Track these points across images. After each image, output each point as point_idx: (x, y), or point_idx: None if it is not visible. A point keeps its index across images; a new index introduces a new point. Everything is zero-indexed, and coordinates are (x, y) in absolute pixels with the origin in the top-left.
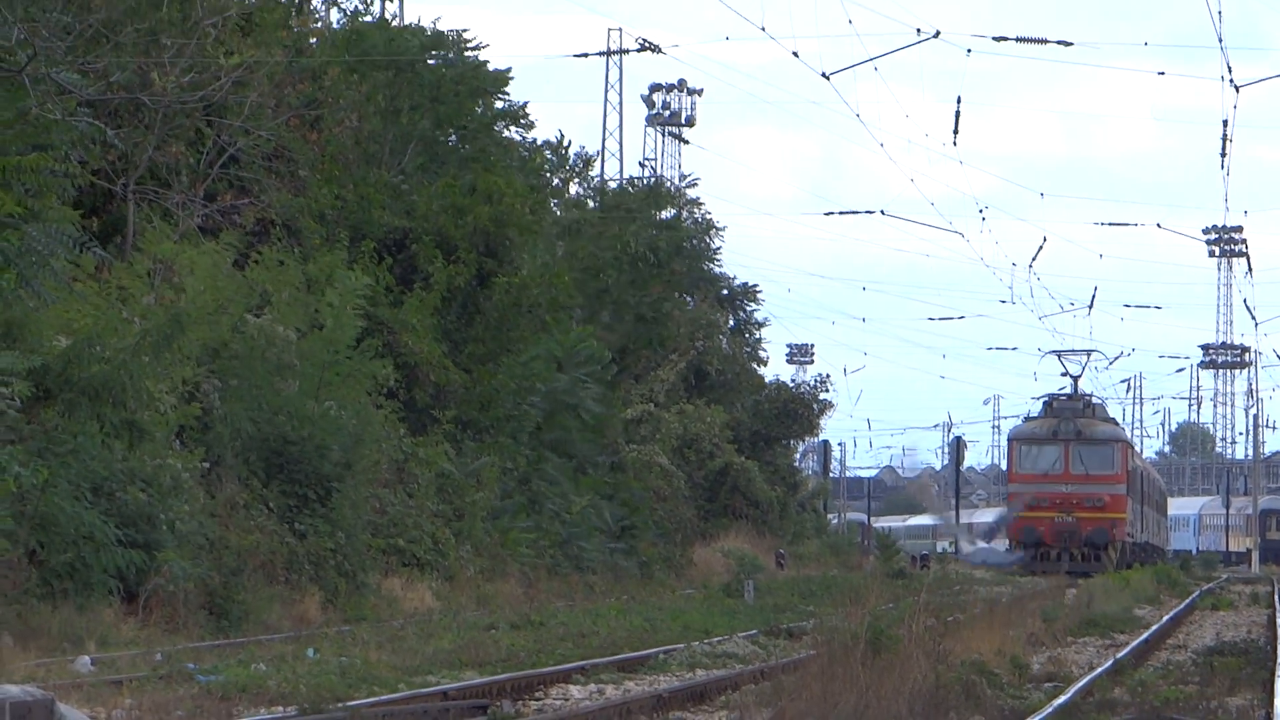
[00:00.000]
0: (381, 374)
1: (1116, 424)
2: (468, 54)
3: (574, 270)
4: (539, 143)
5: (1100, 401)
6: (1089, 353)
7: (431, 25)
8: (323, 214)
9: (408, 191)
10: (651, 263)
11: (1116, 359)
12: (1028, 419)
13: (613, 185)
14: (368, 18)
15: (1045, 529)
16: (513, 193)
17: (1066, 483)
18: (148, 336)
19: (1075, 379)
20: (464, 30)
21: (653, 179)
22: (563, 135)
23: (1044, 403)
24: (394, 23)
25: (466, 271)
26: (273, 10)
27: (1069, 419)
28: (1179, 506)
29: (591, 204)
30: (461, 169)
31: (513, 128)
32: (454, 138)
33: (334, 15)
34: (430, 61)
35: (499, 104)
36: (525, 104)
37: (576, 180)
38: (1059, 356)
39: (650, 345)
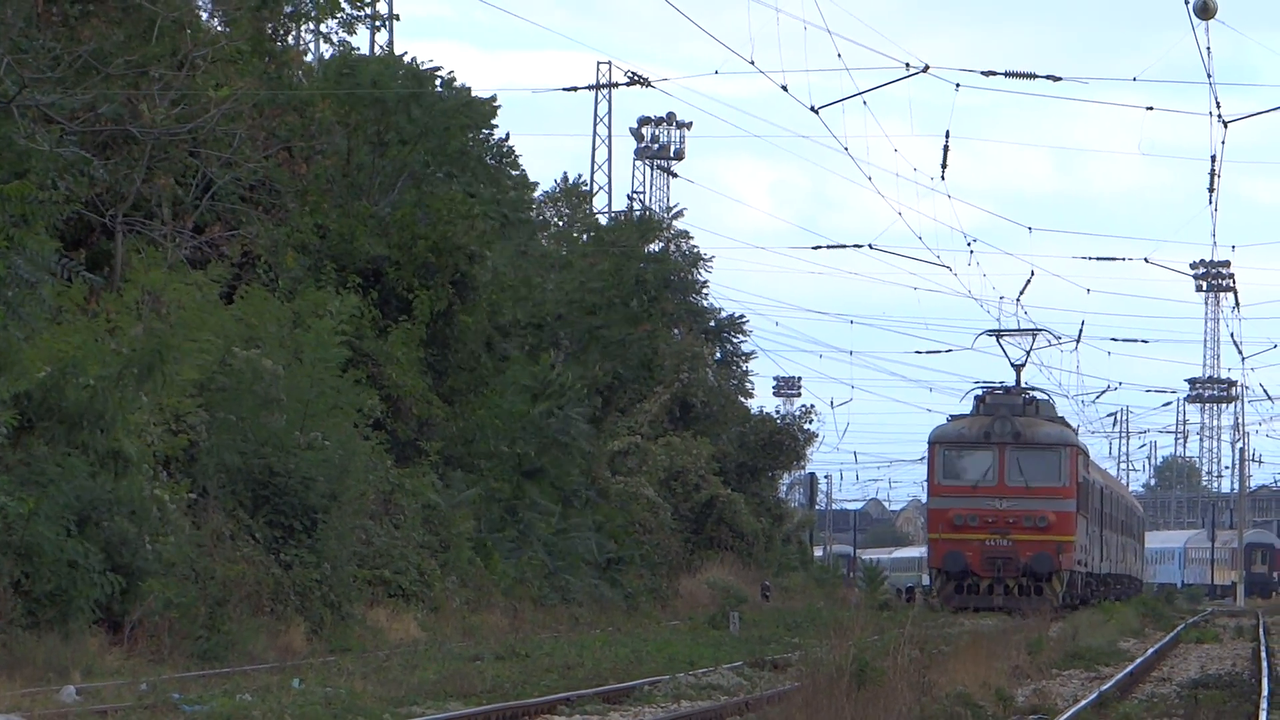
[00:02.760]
0: (367, 405)
1: (1066, 424)
2: (454, 87)
3: (564, 305)
4: (523, 173)
5: (1046, 397)
6: (1034, 332)
7: (413, 60)
8: (305, 245)
9: (387, 220)
10: (645, 298)
11: (1103, 392)
12: (954, 418)
13: (603, 219)
14: (355, 47)
15: (973, 555)
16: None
17: (1001, 497)
18: (131, 365)
19: (1017, 367)
20: (444, 69)
21: (642, 212)
22: (568, 176)
23: (975, 397)
24: (383, 53)
25: (440, 299)
26: (255, 40)
27: (1005, 417)
28: (1165, 540)
29: (583, 238)
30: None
31: (502, 162)
32: (438, 171)
33: (324, 48)
34: (417, 97)
35: (485, 133)
36: (507, 134)
37: (567, 211)
38: (997, 339)
39: (640, 381)
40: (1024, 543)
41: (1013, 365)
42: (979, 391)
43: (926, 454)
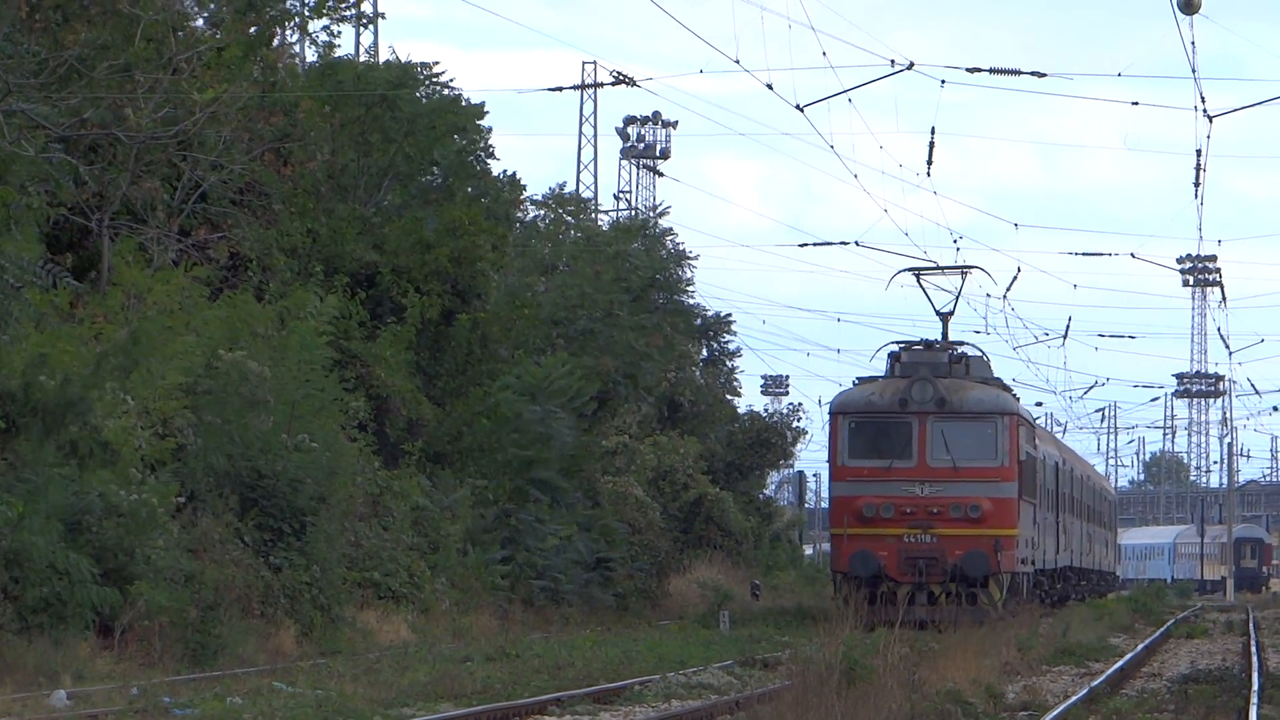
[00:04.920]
0: (353, 406)
1: (1004, 387)
2: (440, 88)
3: (556, 308)
4: (513, 174)
5: (979, 353)
6: (964, 270)
7: (399, 58)
8: (294, 248)
9: (379, 225)
10: (636, 299)
11: (1091, 388)
12: (862, 380)
13: (601, 222)
14: (339, 48)
15: (888, 556)
16: (475, 228)
17: (922, 481)
18: (109, 357)
19: (943, 315)
20: (435, 64)
21: (629, 212)
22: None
23: (889, 355)
24: (368, 56)
25: (435, 305)
26: (243, 43)
27: (925, 379)
28: (1154, 535)
29: (573, 236)
30: (430, 204)
31: (489, 162)
32: (430, 173)
33: (309, 50)
34: (403, 95)
35: (474, 138)
36: (490, 130)
37: (570, 220)
38: (917, 278)
39: (635, 386)
40: (952, 538)
41: (937, 313)
42: (894, 348)
43: (827, 427)
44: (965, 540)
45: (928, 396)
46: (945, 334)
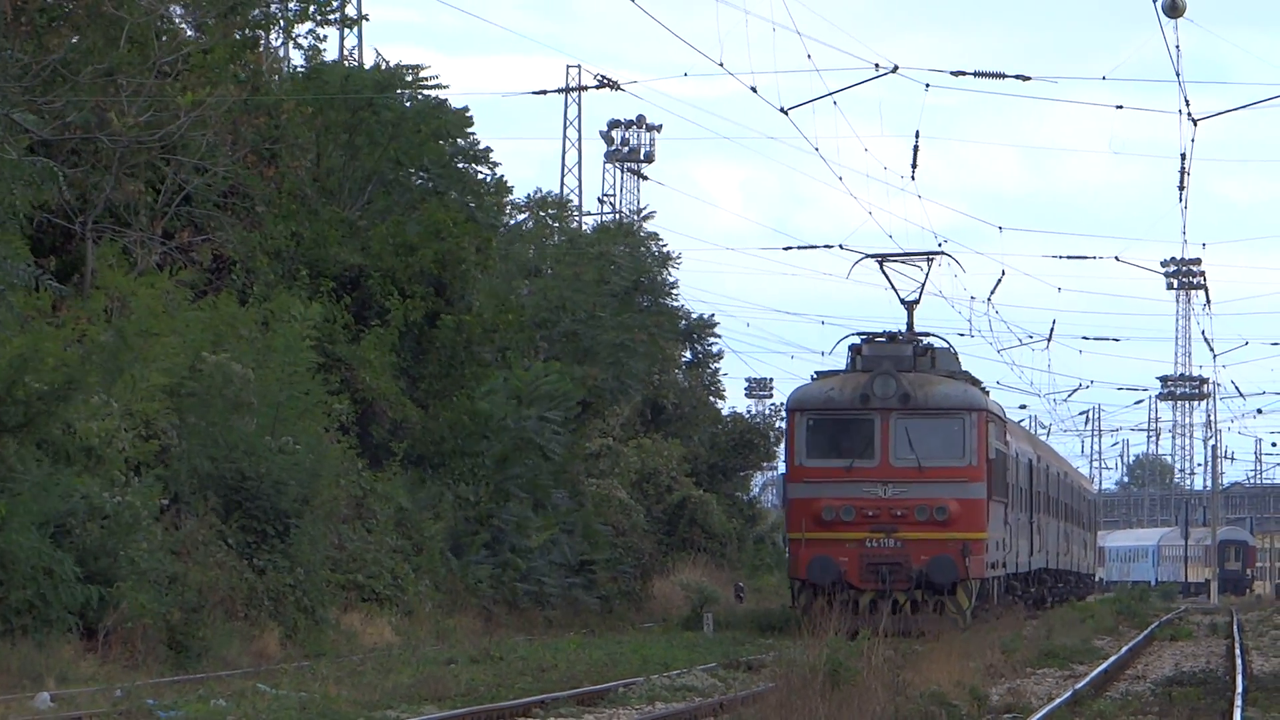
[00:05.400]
0: (336, 409)
1: (973, 380)
2: (426, 93)
3: (539, 309)
4: (500, 178)
5: (946, 345)
6: (929, 256)
7: (386, 62)
8: (279, 251)
9: (365, 228)
10: (620, 301)
11: (1075, 391)
12: (821, 375)
13: (585, 225)
14: (324, 51)
15: (849, 562)
16: (458, 230)
17: (885, 481)
18: (93, 357)
19: (908, 304)
20: (422, 68)
21: (613, 216)
22: (541, 189)
23: (850, 348)
24: (352, 59)
25: (420, 308)
26: (227, 46)
27: (888, 374)
28: (1138, 538)
29: (555, 239)
30: (418, 206)
31: (475, 166)
32: (417, 177)
33: (294, 54)
34: (388, 100)
35: (459, 142)
36: (488, 149)
37: (556, 225)
38: (880, 265)
39: (623, 389)
40: (917, 543)
41: (902, 302)
42: (855, 341)
43: (785, 424)
44: (931, 544)
45: (890, 392)
46: (910, 325)
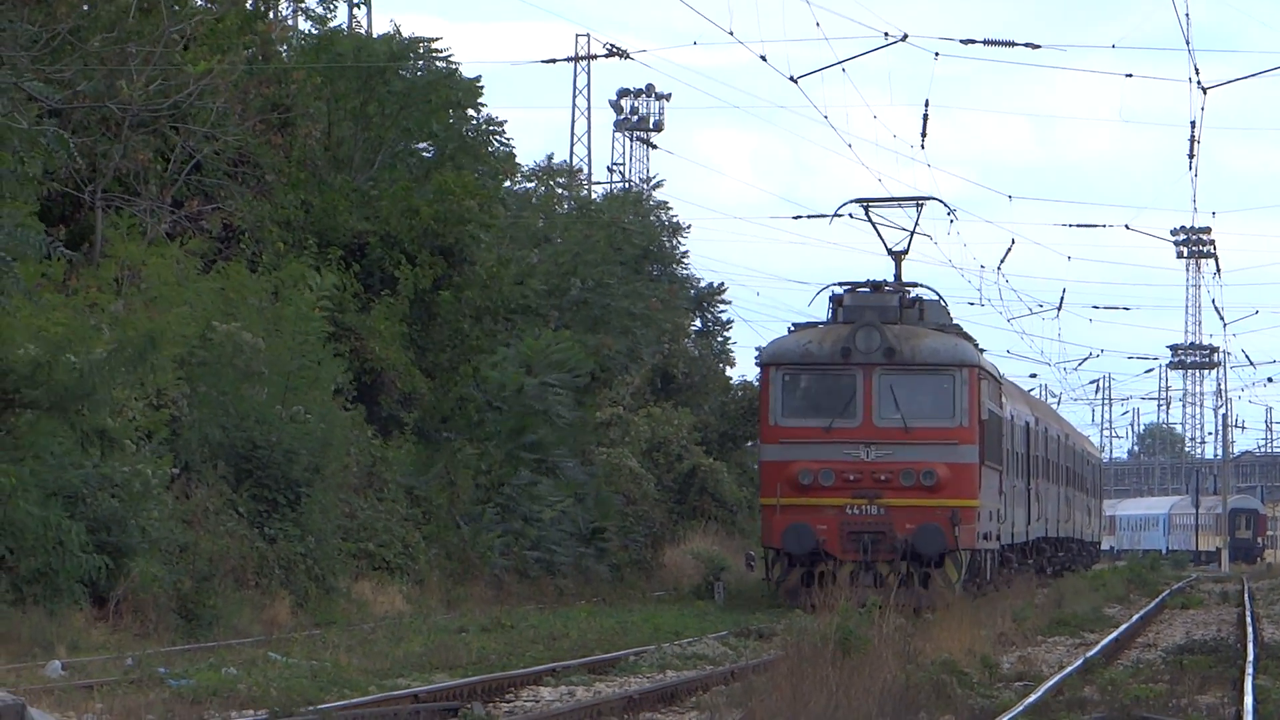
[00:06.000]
0: (343, 377)
1: (964, 335)
2: (437, 63)
3: (549, 276)
4: (509, 151)
5: (936, 296)
6: (919, 202)
7: (397, 31)
8: (288, 220)
9: (376, 196)
10: (631, 269)
11: (1085, 360)
12: (799, 327)
13: (594, 195)
14: (335, 22)
15: (828, 530)
16: (462, 189)
17: (868, 443)
18: (122, 350)
19: (896, 254)
20: (434, 40)
21: (623, 185)
22: (551, 157)
23: (830, 297)
24: (360, 27)
25: (427, 275)
26: (239, 14)
27: (872, 325)
28: (1149, 506)
29: (566, 207)
30: (425, 177)
31: (492, 137)
32: (426, 150)
33: (302, 23)
34: (400, 70)
35: (470, 113)
36: (503, 122)
37: (565, 192)
38: (865, 210)
39: (633, 358)
40: (902, 510)
41: (889, 251)
42: (836, 291)
43: (759, 380)
44: (918, 512)
45: (874, 345)
46: (899, 275)
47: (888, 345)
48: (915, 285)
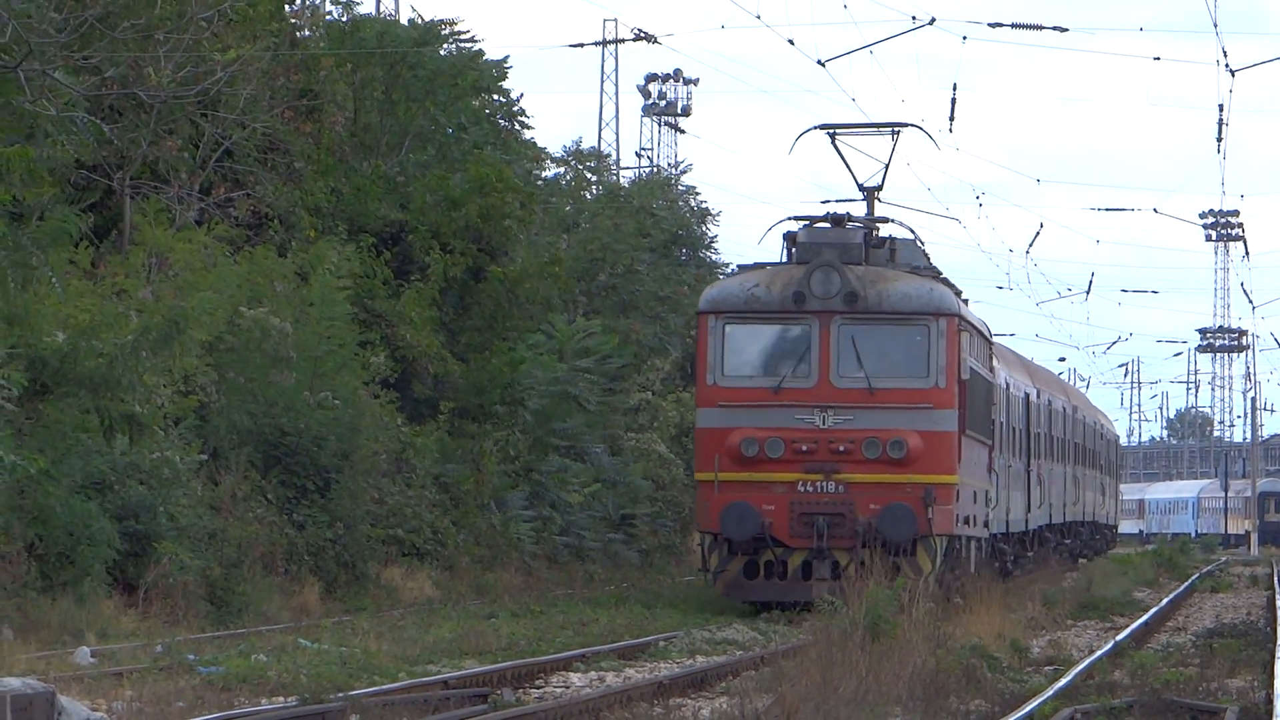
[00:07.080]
0: (374, 362)
1: (940, 278)
2: (462, 46)
3: (578, 262)
4: (532, 140)
5: (910, 233)
6: (895, 130)
7: (422, 18)
8: (318, 207)
9: (404, 183)
10: (660, 254)
11: (1114, 343)
12: (744, 269)
13: (622, 179)
14: (361, 8)
15: (776, 511)
16: (504, 185)
17: (824, 406)
18: (148, 334)
19: (868, 191)
20: (457, 21)
21: (651, 170)
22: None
23: (784, 235)
24: (387, 12)
25: (462, 263)
26: (269, 1)
27: (830, 266)
28: (1178, 490)
29: (594, 191)
30: (457, 163)
31: (515, 122)
32: (456, 136)
33: (329, 6)
34: (422, 52)
35: (497, 97)
36: (521, 96)
37: (592, 179)
38: (832, 139)
39: (660, 344)
40: (865, 487)
41: (860, 186)
42: (793, 228)
43: (696, 332)
44: (883, 489)
45: (833, 290)
46: (870, 209)
47: (849, 289)
48: (885, 220)
